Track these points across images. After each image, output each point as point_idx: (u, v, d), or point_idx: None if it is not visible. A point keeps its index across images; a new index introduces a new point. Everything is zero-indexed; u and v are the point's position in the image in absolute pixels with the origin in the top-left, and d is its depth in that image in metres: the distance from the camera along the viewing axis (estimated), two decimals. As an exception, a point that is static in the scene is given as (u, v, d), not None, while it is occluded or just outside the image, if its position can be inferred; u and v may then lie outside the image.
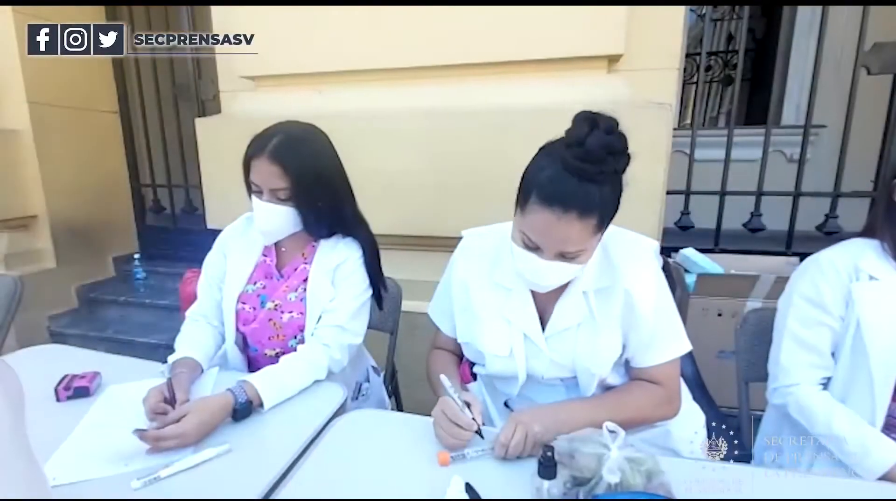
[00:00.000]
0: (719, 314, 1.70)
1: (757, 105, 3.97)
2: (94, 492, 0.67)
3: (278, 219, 0.96)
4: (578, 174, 0.68)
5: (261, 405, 0.85)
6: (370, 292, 1.08)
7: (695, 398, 0.97)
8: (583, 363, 0.84)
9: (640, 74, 1.68)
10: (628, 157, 0.71)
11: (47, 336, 2.63)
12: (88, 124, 2.73)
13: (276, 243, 1.07)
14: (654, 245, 0.85)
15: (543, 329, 0.85)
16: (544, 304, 0.86)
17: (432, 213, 1.77)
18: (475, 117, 1.68)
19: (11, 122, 2.45)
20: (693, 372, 1.12)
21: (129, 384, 0.97)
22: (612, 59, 1.67)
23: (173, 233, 2.94)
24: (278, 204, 0.95)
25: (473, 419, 0.74)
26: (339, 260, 1.04)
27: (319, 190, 0.97)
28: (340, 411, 0.88)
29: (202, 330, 1.08)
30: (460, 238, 0.98)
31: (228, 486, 0.69)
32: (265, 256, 1.08)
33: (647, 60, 1.67)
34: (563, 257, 0.73)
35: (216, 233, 1.14)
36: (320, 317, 1.02)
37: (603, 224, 0.73)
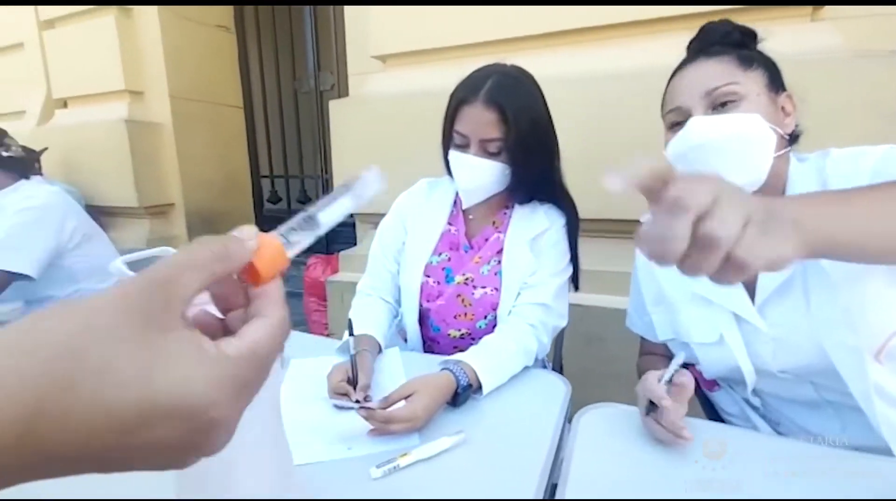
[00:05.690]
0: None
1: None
2: (332, 476, 0.57)
3: (486, 176, 0.83)
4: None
5: (479, 389, 0.72)
6: (571, 268, 0.92)
7: None
8: (826, 328, 0.59)
9: (852, 22, 1.38)
10: (755, 35, 0.70)
11: (180, 318, 2.79)
12: (218, 117, 2.87)
13: (463, 211, 0.95)
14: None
15: (753, 301, 0.66)
16: None
17: (591, 193, 1.58)
18: (644, 79, 1.46)
19: (156, 115, 2.62)
20: None
21: (310, 359, 0.89)
22: (817, 6, 1.39)
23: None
24: (488, 158, 0.82)
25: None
26: (539, 229, 0.89)
27: (534, 144, 0.82)
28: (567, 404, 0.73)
29: (377, 306, 0.98)
30: (627, 222, 0.84)
31: (473, 481, 0.56)
32: (451, 224, 0.96)
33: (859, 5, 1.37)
34: (715, 104, 0.64)
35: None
36: (518, 294, 0.88)
37: (749, 63, 0.65)
